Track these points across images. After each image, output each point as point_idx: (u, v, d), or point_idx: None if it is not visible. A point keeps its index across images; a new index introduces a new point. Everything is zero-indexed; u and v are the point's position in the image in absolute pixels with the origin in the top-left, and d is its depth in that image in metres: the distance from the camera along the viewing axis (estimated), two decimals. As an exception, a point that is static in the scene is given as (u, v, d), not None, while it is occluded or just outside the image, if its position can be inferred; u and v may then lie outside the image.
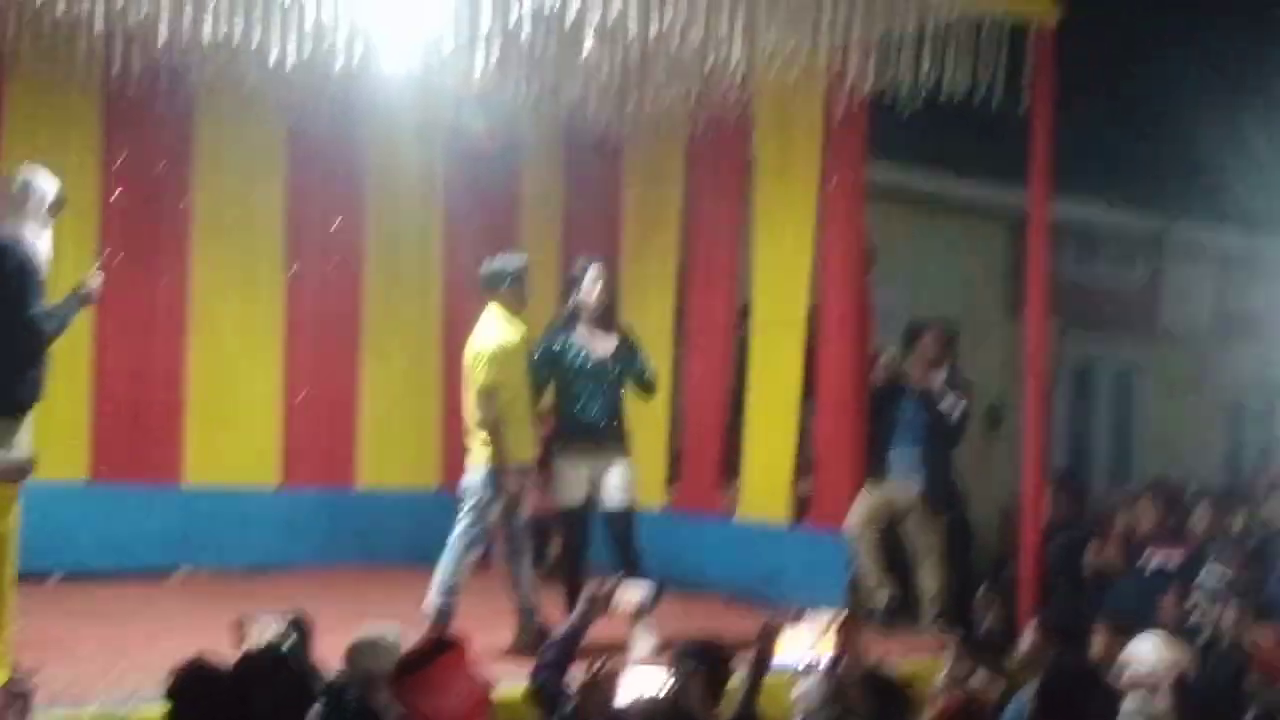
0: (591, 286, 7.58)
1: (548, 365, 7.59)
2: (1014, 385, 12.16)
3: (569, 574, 7.58)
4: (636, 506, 7.64)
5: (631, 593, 5.90)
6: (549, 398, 7.74)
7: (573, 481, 7.56)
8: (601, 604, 5.45)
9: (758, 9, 7.33)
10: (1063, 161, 8.12)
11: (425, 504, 9.72)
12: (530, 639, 7.15)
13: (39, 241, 6.54)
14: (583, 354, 7.55)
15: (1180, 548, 8.41)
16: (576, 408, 7.54)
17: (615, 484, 7.49)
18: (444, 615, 7.07)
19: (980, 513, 10.36)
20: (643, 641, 6.85)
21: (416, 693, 4.09)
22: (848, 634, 5.37)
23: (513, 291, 7.37)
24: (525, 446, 7.35)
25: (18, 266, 6.34)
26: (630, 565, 7.45)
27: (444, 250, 10.43)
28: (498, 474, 7.16)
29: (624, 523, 7.51)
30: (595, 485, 7.54)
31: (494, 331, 7.26)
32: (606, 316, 7.62)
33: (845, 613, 5.56)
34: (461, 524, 7.22)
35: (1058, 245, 9.53)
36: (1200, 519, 8.76)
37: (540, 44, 7.49)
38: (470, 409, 7.29)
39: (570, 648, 5.22)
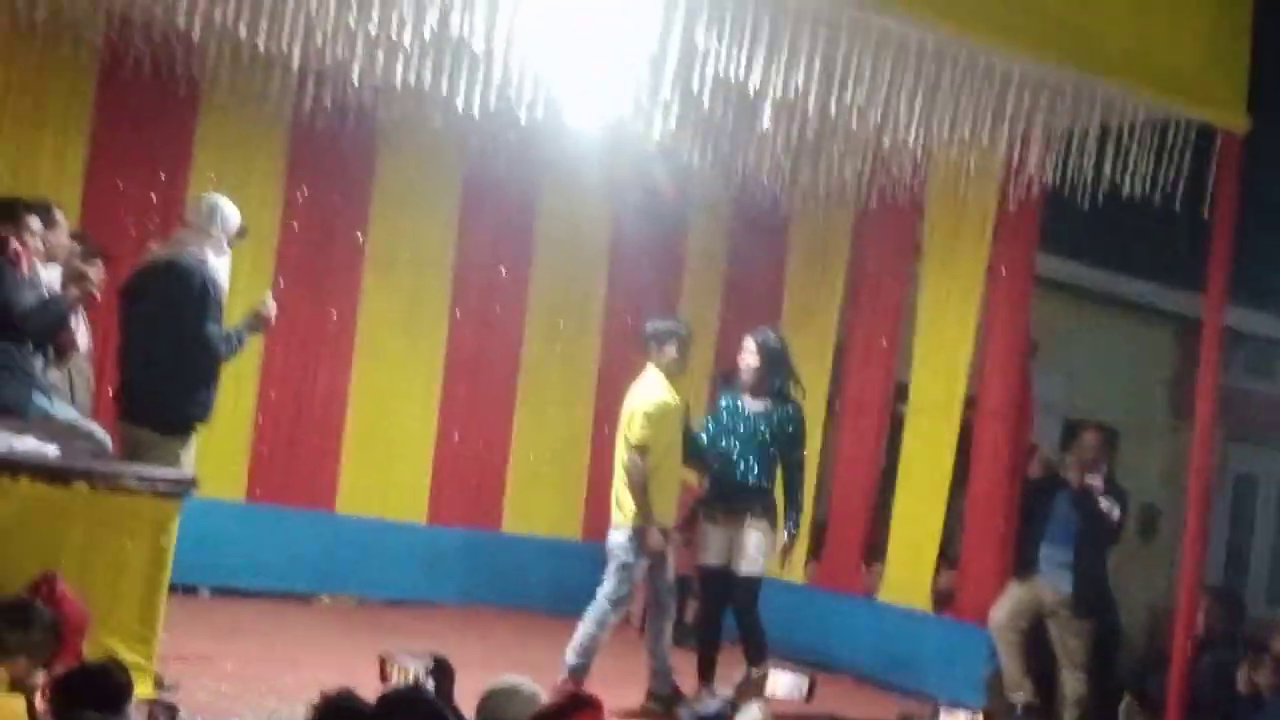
0: (744, 354, 7.61)
1: (710, 424, 7.67)
2: (1172, 491, 11.90)
3: (704, 637, 7.56)
4: (762, 576, 7.50)
5: (784, 681, 5.83)
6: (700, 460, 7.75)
7: (713, 542, 7.55)
8: (754, 688, 5.40)
9: (938, 94, 7.30)
10: (1237, 268, 7.93)
11: (567, 553, 9.80)
12: (663, 701, 7.12)
13: (220, 265, 6.73)
14: (734, 417, 7.55)
15: (1337, 677, 8.09)
16: (723, 469, 7.55)
17: (747, 551, 7.44)
18: (579, 671, 7.07)
19: (1128, 620, 10.08)
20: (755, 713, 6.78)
21: (551, 747, 4.10)
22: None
23: (676, 355, 7.40)
24: (669, 508, 7.36)
25: (200, 287, 6.53)
26: (749, 635, 7.41)
27: (606, 305, 10.53)
28: (642, 534, 7.17)
29: (747, 591, 7.45)
30: (734, 549, 7.51)
31: (654, 390, 7.29)
32: (762, 384, 7.58)
33: (982, 712, 5.41)
34: (608, 584, 7.21)
35: (1227, 353, 9.32)
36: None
37: (720, 111, 7.55)
38: (621, 464, 7.33)
39: None
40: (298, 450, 9.49)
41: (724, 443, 7.56)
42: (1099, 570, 8.60)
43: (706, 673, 7.43)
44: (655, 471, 7.21)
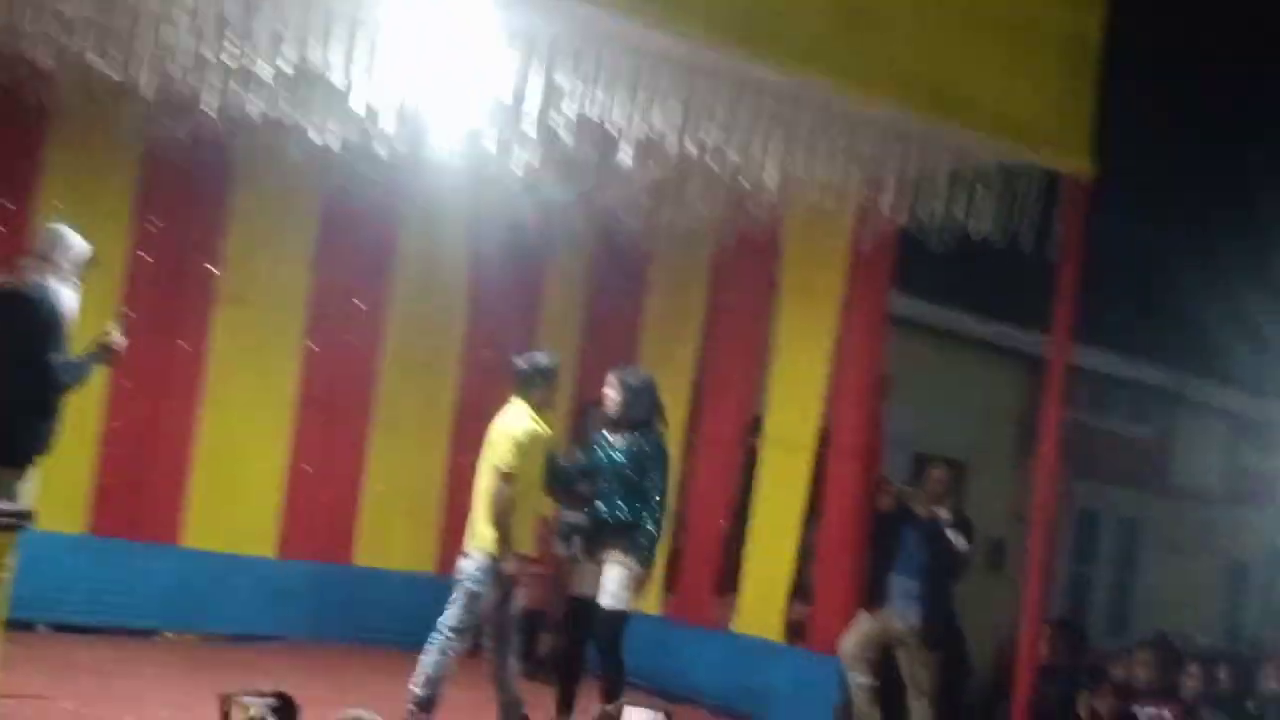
0: (606, 390, 7.65)
1: (583, 459, 7.70)
2: (1019, 526, 12.17)
3: (565, 669, 7.58)
4: (623, 610, 7.46)
5: (639, 716, 5.85)
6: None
7: (586, 575, 7.54)
8: (610, 724, 5.41)
9: (795, 139, 7.41)
10: (1084, 309, 8.16)
11: (420, 586, 9.69)
12: None
13: (66, 295, 6.58)
14: (601, 453, 7.58)
15: (1172, 705, 8.36)
16: (595, 505, 7.56)
17: (607, 586, 7.44)
18: (426, 704, 7.01)
19: (976, 650, 10.29)
20: None
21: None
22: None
23: (544, 389, 7.42)
24: (526, 537, 7.35)
25: (43, 317, 6.38)
26: (607, 670, 7.42)
27: (465, 339, 10.49)
28: (498, 561, 7.13)
29: (607, 626, 7.44)
30: (599, 581, 7.50)
31: (524, 420, 7.28)
32: (624, 419, 7.58)
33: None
34: (452, 612, 7.15)
35: (1072, 390, 9.56)
36: (1193, 677, 8.71)
37: (581, 148, 7.58)
38: (484, 491, 7.29)
39: None
40: (143, 483, 9.29)
41: (597, 482, 7.57)
42: (947, 601, 8.78)
43: (564, 705, 7.43)
44: (521, 499, 7.19)
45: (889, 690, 8.66)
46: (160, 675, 7.92)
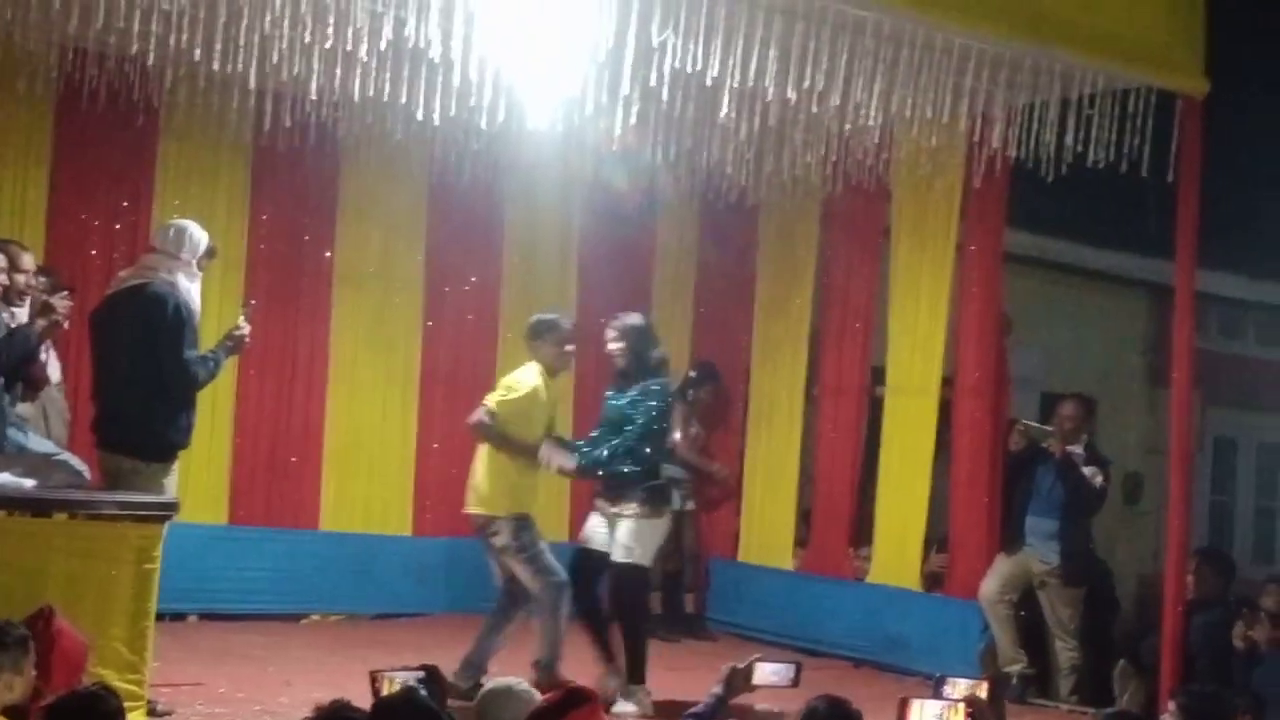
0: (608, 344, 7.46)
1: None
2: (1154, 459, 11.95)
3: (583, 618, 7.43)
4: (635, 564, 7.28)
5: (771, 670, 5.78)
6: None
7: (592, 527, 7.45)
8: (741, 681, 5.38)
9: (897, 75, 7.31)
10: (1206, 232, 7.97)
11: (554, 555, 9.81)
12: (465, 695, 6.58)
13: (192, 289, 6.69)
14: (609, 410, 7.42)
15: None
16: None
17: (619, 540, 7.28)
18: (550, 666, 7.03)
19: (1119, 587, 10.13)
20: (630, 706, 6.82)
21: (549, 745, 4.08)
22: (989, 704, 5.24)
23: (553, 349, 7.27)
24: (535, 498, 7.37)
25: (174, 313, 6.47)
26: (626, 622, 7.29)
27: (578, 307, 10.49)
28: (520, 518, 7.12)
29: (619, 579, 7.30)
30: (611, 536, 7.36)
31: (533, 376, 7.21)
32: (630, 370, 7.36)
33: (985, 682, 5.42)
34: (532, 585, 7.14)
35: (1201, 317, 9.35)
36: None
37: (679, 105, 7.55)
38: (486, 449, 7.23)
39: None
40: (278, 470, 9.45)
41: (605, 433, 7.40)
42: (1085, 538, 8.65)
43: (605, 655, 7.33)
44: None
45: (1033, 632, 8.57)
46: (309, 656, 8.06)
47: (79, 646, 5.32)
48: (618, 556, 7.25)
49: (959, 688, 5.25)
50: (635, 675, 7.19)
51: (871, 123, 7.65)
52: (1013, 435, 8.65)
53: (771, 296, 10.41)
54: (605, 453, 7.24)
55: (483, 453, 7.33)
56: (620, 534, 7.25)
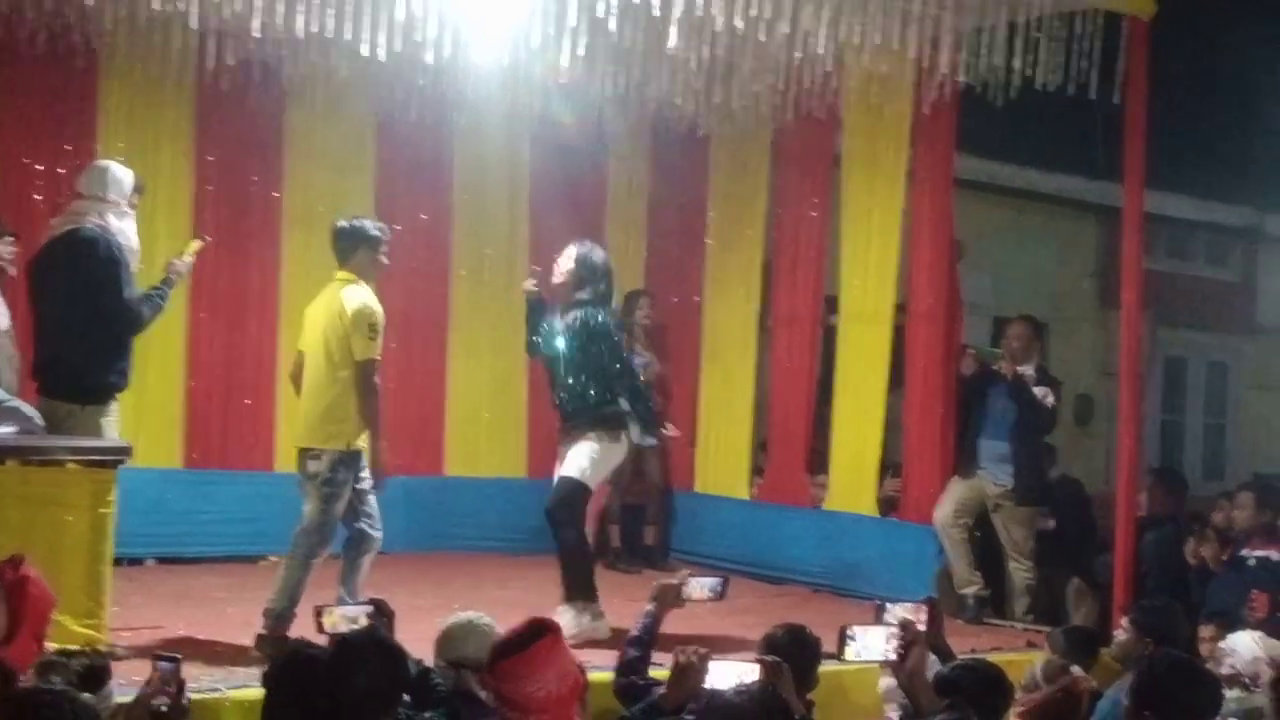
0: (560, 260, 7.32)
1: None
2: (1104, 379, 12.08)
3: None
4: (581, 482, 7.10)
5: (699, 584, 5.85)
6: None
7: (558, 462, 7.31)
8: (672, 596, 5.46)
9: (845, 2, 7.28)
10: (1154, 154, 8.01)
11: (512, 491, 9.95)
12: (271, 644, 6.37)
13: (125, 229, 6.61)
14: (550, 337, 7.30)
15: (1277, 544, 8.29)
16: (553, 389, 7.35)
17: (571, 458, 7.11)
18: (282, 617, 6.50)
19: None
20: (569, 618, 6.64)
21: (513, 677, 4.10)
22: (929, 626, 5.30)
23: (368, 259, 6.76)
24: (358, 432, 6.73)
25: (106, 255, 6.41)
26: (559, 541, 7.07)
27: (530, 242, 10.47)
28: (375, 455, 6.66)
29: (559, 493, 7.08)
30: None
31: (369, 298, 6.61)
32: (571, 296, 7.23)
33: (926, 601, 5.48)
34: (311, 518, 6.65)
35: (1150, 238, 9.42)
36: (1296, 516, 8.63)
37: (627, 36, 7.49)
38: (325, 382, 6.63)
39: (650, 640, 5.25)
40: (231, 412, 9.41)
41: (550, 367, 7.33)
42: (1037, 459, 8.75)
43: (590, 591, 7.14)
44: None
45: (988, 553, 8.67)
46: (267, 597, 8.04)
47: (47, 595, 5.30)
48: (566, 472, 7.10)
49: (898, 613, 5.31)
50: (580, 592, 7.03)
51: (820, 51, 7.59)
52: (964, 360, 8.70)
53: (723, 228, 10.41)
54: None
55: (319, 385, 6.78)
56: (574, 452, 7.12)
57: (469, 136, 10.00)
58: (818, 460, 9.66)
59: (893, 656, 5.09)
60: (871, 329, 9.18)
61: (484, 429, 10.28)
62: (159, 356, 8.75)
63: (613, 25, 7.03)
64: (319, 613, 5.14)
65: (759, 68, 8.50)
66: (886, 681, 5.48)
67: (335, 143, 9.70)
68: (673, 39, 7.22)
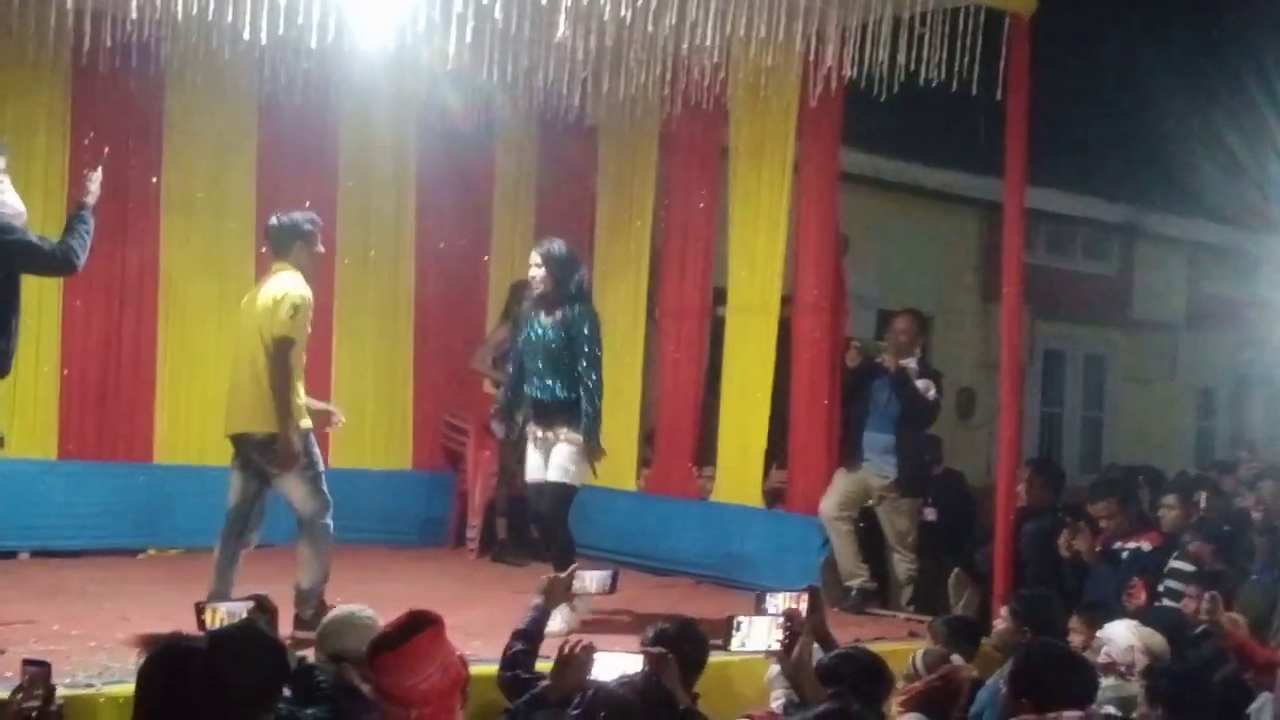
0: (531, 268, 7.53)
1: (519, 343, 7.63)
2: (986, 372, 12.25)
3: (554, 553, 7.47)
4: (571, 485, 7.46)
5: (590, 578, 5.86)
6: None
7: (531, 460, 7.56)
8: (561, 590, 5.44)
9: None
10: (1036, 150, 8.13)
11: (398, 482, 9.95)
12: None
13: (3, 198, 6.41)
14: (533, 334, 7.51)
15: (1152, 534, 8.47)
16: (528, 385, 7.53)
17: (556, 461, 7.40)
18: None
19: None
20: (558, 619, 6.64)
21: (393, 670, 4.05)
22: (810, 613, 5.34)
23: (304, 252, 6.93)
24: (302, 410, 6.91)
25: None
26: (551, 541, 7.44)
27: (417, 230, 10.37)
28: (285, 441, 6.74)
29: (549, 497, 7.42)
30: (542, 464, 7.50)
31: (297, 283, 6.80)
32: (554, 294, 7.46)
33: (805, 594, 5.51)
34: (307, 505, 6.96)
35: (1030, 234, 9.56)
36: (1171, 508, 8.82)
37: (514, 24, 7.43)
38: (250, 364, 6.81)
39: (537, 633, 5.23)
40: (108, 402, 9.21)
41: (529, 362, 7.51)
42: (920, 450, 8.85)
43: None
44: (296, 370, 6.82)
45: (872, 545, 8.75)
46: (146, 591, 7.89)
47: None
48: (554, 476, 7.37)
49: (780, 602, 5.34)
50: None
51: (708, 42, 7.60)
52: (849, 352, 8.77)
53: (611, 218, 10.39)
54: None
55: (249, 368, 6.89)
56: (558, 455, 7.36)
57: (354, 122, 9.89)
58: (705, 452, 9.68)
59: (778, 647, 5.12)
60: (758, 320, 9.21)
61: (369, 420, 10.14)
62: (32, 344, 8.51)
63: (499, 12, 6.97)
64: (200, 609, 5.05)
65: (646, 58, 8.49)
66: (772, 670, 5.51)
67: (216, 127, 9.51)
68: (560, 27, 7.17)
